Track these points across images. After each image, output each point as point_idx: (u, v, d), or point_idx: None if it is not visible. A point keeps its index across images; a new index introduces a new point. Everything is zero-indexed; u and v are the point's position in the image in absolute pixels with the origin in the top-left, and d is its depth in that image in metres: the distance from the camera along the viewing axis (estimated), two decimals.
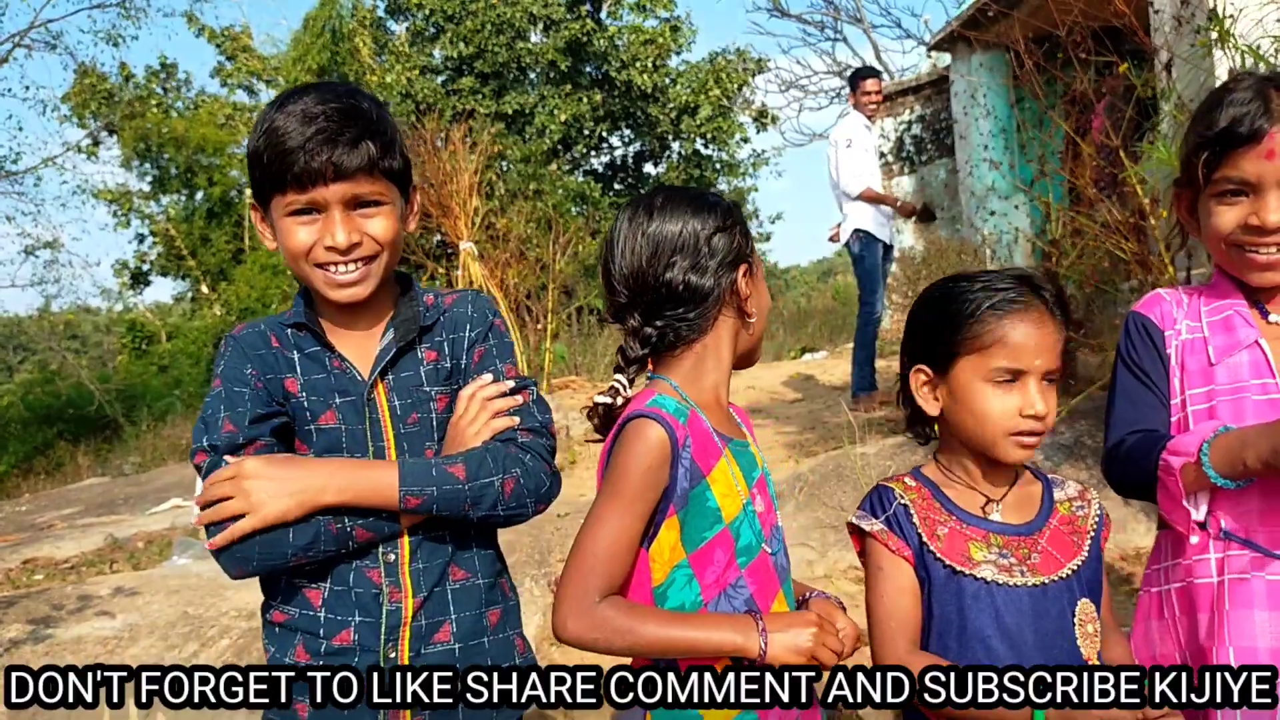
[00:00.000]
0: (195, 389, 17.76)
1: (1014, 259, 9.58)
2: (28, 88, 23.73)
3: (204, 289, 19.74)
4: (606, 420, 1.69)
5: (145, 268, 21.17)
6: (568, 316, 12.57)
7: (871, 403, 7.37)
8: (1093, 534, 1.78)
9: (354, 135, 1.66)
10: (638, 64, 17.41)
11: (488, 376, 1.78)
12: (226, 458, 1.66)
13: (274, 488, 1.60)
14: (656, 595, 1.61)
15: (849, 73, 11.23)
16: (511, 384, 1.77)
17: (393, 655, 1.70)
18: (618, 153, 19.80)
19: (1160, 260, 4.88)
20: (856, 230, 7.41)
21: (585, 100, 17.19)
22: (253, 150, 1.70)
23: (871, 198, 7.38)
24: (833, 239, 7.77)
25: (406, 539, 1.71)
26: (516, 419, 1.74)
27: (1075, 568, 1.73)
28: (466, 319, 1.83)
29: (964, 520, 1.75)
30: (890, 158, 13.03)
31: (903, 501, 1.76)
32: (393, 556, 1.70)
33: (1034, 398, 1.69)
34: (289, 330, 1.80)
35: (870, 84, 7.53)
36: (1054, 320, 1.72)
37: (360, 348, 1.78)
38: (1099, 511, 1.82)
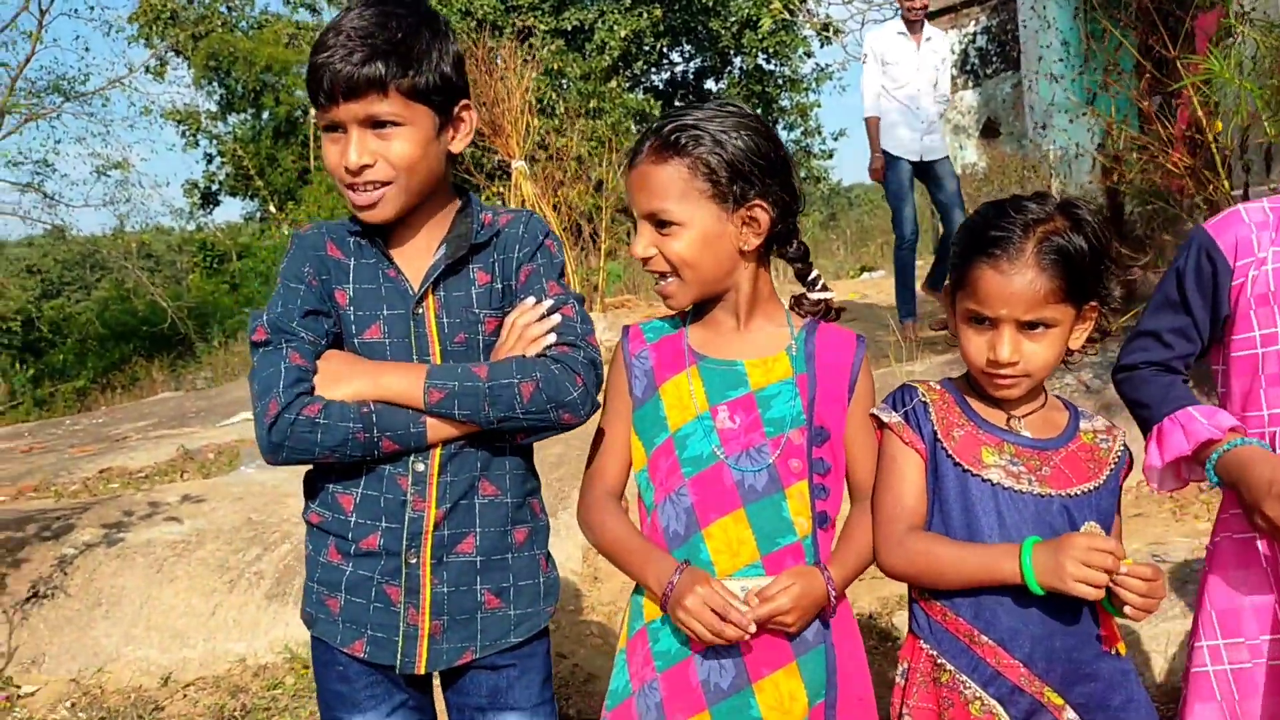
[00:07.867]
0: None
1: (1076, 175, 9.35)
2: (92, 8, 23.61)
3: (272, 209, 19.97)
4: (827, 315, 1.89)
5: (214, 188, 21.40)
6: (623, 236, 12.55)
7: (915, 331, 7.06)
8: (1113, 467, 1.78)
9: (366, 54, 1.63)
10: None
11: (530, 300, 1.77)
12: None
13: (324, 383, 1.69)
14: (638, 480, 1.84)
15: None
16: (550, 303, 1.76)
17: (414, 561, 1.75)
18: (679, 69, 19.46)
19: (1215, 175, 4.76)
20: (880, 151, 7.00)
21: (645, 15, 16.88)
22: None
23: (871, 127, 6.96)
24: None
25: (438, 451, 1.74)
26: (554, 336, 1.73)
27: (1086, 490, 1.73)
28: (517, 240, 1.82)
29: (980, 426, 1.78)
30: (955, 71, 12.69)
31: (923, 400, 1.81)
32: (421, 466, 1.74)
33: (1001, 345, 1.70)
34: (352, 238, 1.81)
35: None
36: (1037, 272, 1.67)
37: (416, 263, 1.79)
38: (1124, 449, 1.81)
